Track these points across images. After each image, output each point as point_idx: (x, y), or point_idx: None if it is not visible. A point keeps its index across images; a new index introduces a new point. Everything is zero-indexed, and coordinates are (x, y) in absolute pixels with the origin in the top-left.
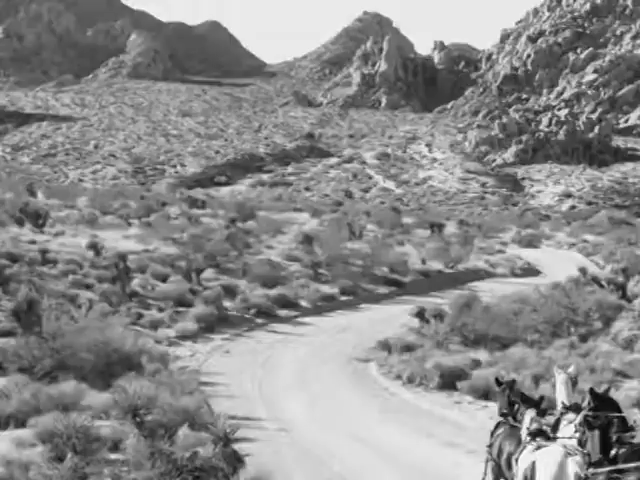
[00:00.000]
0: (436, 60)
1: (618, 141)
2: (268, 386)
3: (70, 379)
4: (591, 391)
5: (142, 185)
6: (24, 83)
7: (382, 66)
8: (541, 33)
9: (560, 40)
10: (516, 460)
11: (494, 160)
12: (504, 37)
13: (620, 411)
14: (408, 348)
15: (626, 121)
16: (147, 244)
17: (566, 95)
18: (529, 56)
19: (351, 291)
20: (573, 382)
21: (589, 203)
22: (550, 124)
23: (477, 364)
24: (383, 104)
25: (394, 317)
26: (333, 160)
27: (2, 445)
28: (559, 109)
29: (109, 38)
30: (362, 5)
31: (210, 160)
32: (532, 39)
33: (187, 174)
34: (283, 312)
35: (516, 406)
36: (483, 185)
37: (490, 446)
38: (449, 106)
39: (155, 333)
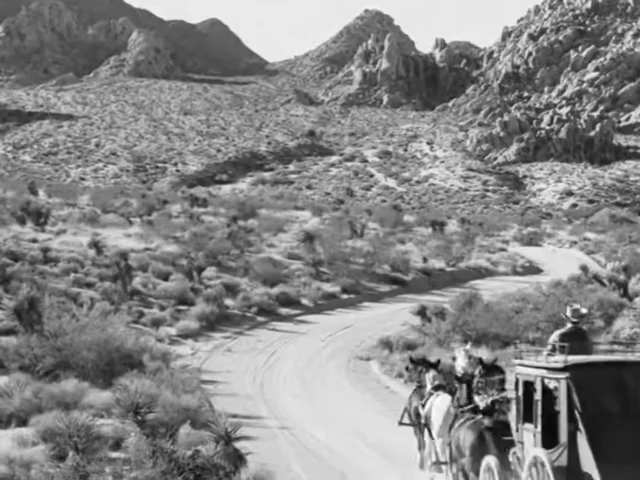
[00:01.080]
0: (437, 58)
1: (619, 139)
2: (269, 384)
3: (71, 378)
4: (480, 361)
5: (143, 183)
6: (25, 81)
7: (383, 64)
8: (542, 31)
9: (561, 38)
10: (422, 406)
11: (495, 158)
12: (505, 35)
13: (503, 373)
14: (409, 346)
15: (627, 119)
16: (148, 242)
17: (567, 93)
18: (530, 54)
19: (352, 289)
20: (468, 355)
21: (590, 201)
22: (551, 122)
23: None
24: (384, 102)
25: (395, 315)
26: (334, 158)
27: (4, 444)
28: (560, 107)
29: (110, 36)
30: (363, 3)
31: (211, 158)
32: (533, 37)
33: (188, 172)
34: (284, 310)
35: (422, 370)
36: (484, 183)
37: (409, 403)
38: (450, 104)
39: (156, 331)
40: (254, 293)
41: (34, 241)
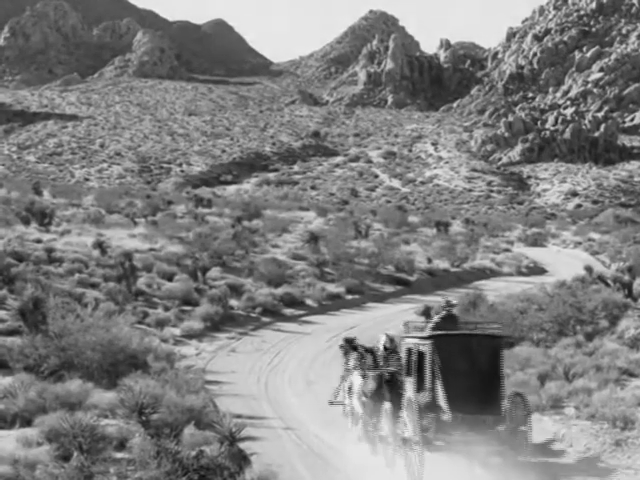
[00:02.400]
0: (442, 59)
1: (624, 140)
2: (274, 385)
3: (76, 378)
4: (387, 335)
5: (148, 184)
6: (30, 82)
7: (388, 65)
8: (547, 32)
9: (566, 39)
10: (345, 379)
11: (500, 159)
12: (510, 35)
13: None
14: None
15: (632, 120)
16: (153, 243)
17: (572, 94)
18: (535, 55)
19: (357, 290)
20: (391, 339)
21: (595, 202)
22: (556, 123)
23: None
24: (389, 103)
25: (400, 316)
26: (339, 159)
27: (8, 444)
28: (565, 108)
29: (115, 37)
30: (368, 4)
31: (216, 159)
32: (538, 37)
33: (193, 173)
34: (289, 311)
35: (348, 351)
36: (489, 184)
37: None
38: (455, 105)
39: (161, 332)
40: (258, 293)
41: (38, 241)
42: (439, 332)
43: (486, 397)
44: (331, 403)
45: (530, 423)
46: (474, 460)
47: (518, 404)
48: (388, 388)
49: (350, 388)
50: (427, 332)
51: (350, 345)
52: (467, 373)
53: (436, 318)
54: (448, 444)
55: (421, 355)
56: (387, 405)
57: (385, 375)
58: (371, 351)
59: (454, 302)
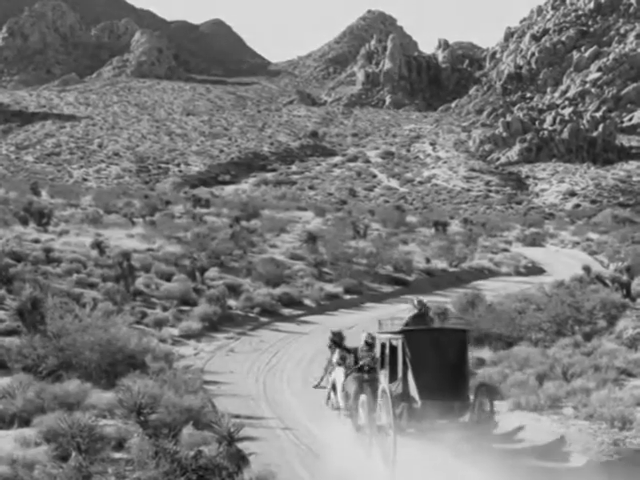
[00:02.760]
0: (440, 58)
1: (622, 139)
2: (272, 385)
3: (74, 378)
4: (369, 334)
5: (146, 184)
6: (28, 82)
7: (386, 65)
8: (545, 31)
9: (564, 38)
10: (329, 373)
11: (498, 159)
12: (508, 35)
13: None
14: None
15: (630, 119)
16: (151, 243)
17: (570, 93)
18: (533, 54)
19: (355, 290)
20: (372, 336)
21: (593, 201)
22: (554, 122)
23: (481, 363)
24: (387, 103)
25: (398, 316)
26: (337, 159)
27: (6, 444)
28: (563, 107)
29: (113, 37)
30: (366, 4)
31: (214, 159)
32: (536, 37)
33: (191, 173)
34: (287, 311)
35: (332, 347)
36: (487, 184)
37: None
38: (453, 105)
39: (159, 332)
40: (257, 293)
41: (37, 241)
42: (409, 328)
43: (453, 386)
44: (315, 387)
45: (494, 410)
46: (444, 445)
47: (484, 392)
48: (367, 383)
49: (334, 384)
50: (398, 328)
51: (336, 341)
52: (435, 364)
53: (408, 316)
54: (419, 431)
55: (393, 349)
56: (363, 397)
57: (364, 377)
58: (354, 351)
59: (424, 301)
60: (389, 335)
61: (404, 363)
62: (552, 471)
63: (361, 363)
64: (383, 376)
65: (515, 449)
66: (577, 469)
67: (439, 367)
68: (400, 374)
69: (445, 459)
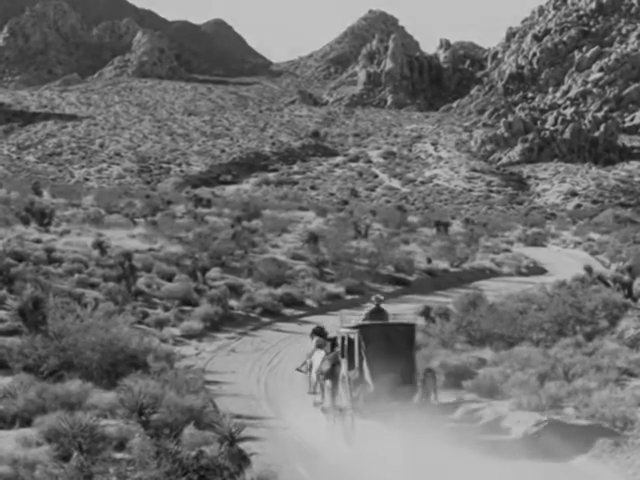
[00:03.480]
0: (442, 59)
1: (624, 139)
2: (274, 385)
3: (76, 378)
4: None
5: (147, 184)
6: (30, 82)
7: (388, 65)
8: (547, 31)
9: (566, 39)
10: (310, 357)
11: (500, 159)
12: (510, 35)
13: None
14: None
15: (632, 119)
16: (152, 243)
17: (572, 93)
18: (535, 54)
19: (357, 290)
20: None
21: (595, 202)
22: (556, 123)
23: (483, 363)
24: (389, 103)
25: (399, 316)
26: (339, 159)
27: (8, 444)
28: (565, 107)
29: (114, 37)
30: (368, 4)
31: (216, 159)
32: (538, 37)
33: (192, 173)
34: (288, 311)
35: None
36: (489, 184)
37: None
38: (455, 105)
39: (160, 332)
40: (258, 294)
41: (38, 241)
42: (363, 323)
43: (402, 373)
44: (297, 369)
45: (437, 392)
46: (395, 424)
47: (429, 378)
48: (338, 366)
49: (311, 365)
50: (355, 323)
51: (316, 331)
52: (386, 354)
53: (366, 311)
54: (373, 411)
55: (351, 341)
56: (328, 382)
57: (338, 358)
58: (332, 340)
59: (382, 298)
60: (348, 329)
61: (359, 353)
62: (488, 442)
63: (337, 349)
64: (344, 364)
65: (462, 426)
66: (514, 440)
67: (389, 356)
68: (357, 363)
69: (396, 434)
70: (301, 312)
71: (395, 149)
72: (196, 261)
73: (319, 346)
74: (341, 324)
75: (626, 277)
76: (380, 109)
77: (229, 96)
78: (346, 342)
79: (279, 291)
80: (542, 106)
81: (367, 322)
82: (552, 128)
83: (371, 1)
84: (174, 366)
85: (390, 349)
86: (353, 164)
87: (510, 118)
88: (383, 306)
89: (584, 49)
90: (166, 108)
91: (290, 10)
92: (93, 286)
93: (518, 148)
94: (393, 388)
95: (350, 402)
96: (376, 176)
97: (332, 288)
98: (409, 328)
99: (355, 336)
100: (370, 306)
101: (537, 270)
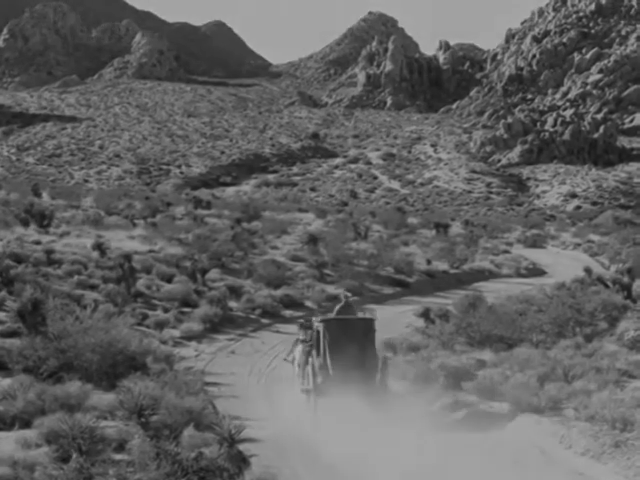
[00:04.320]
0: (441, 60)
1: (623, 141)
2: (273, 387)
3: (75, 379)
4: (306, 320)
5: (147, 185)
6: (29, 83)
7: (387, 66)
8: (546, 33)
9: (565, 40)
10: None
11: (499, 160)
12: (509, 37)
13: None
14: (413, 348)
15: (631, 121)
16: (152, 244)
17: (571, 95)
18: (534, 56)
19: (356, 291)
20: (308, 321)
21: (594, 203)
22: (555, 124)
23: (482, 364)
24: (388, 104)
25: (399, 317)
26: (338, 160)
27: (7, 445)
28: (564, 109)
29: (114, 38)
30: (367, 5)
31: (215, 160)
32: (537, 39)
33: (192, 174)
34: (288, 312)
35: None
36: (488, 185)
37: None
38: (454, 106)
39: (160, 333)
40: (258, 295)
41: (38, 243)
42: (327, 317)
43: (360, 361)
44: (284, 360)
45: (388, 377)
46: (354, 404)
47: (385, 364)
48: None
49: (294, 356)
50: (321, 317)
51: (303, 324)
52: (346, 344)
53: (337, 307)
54: (334, 393)
55: (318, 332)
56: (296, 369)
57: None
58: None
59: (349, 295)
60: (317, 322)
61: (323, 343)
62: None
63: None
64: (314, 352)
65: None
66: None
67: (347, 346)
68: (322, 351)
69: (353, 414)
70: (301, 313)
71: (395, 150)
72: (196, 262)
73: (302, 341)
74: (315, 317)
75: (626, 278)
76: (380, 110)
77: (229, 97)
78: (315, 333)
79: (279, 292)
80: (541, 108)
81: (330, 316)
82: (551, 130)
83: (371, 2)
84: (174, 368)
85: (348, 339)
86: (353, 166)
87: (509, 120)
88: (351, 302)
89: (584, 51)
90: (166, 109)
91: (290, 11)
92: (93, 287)
93: (517, 149)
94: (349, 373)
95: (313, 385)
96: (376, 177)
97: (332, 289)
98: (366, 322)
99: (321, 328)
100: (341, 302)
101: (537, 272)
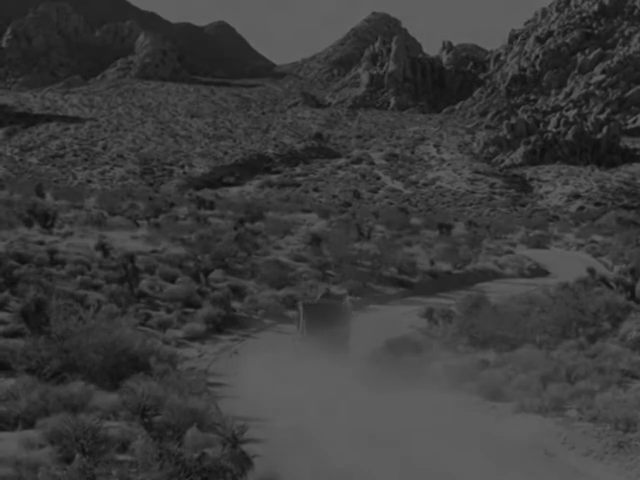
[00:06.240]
0: (444, 61)
1: (626, 142)
2: (276, 387)
3: (78, 380)
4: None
5: (150, 186)
6: (32, 84)
7: (390, 67)
8: (549, 34)
9: (568, 41)
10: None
11: (502, 161)
12: (512, 38)
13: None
14: (416, 349)
15: (634, 122)
16: (155, 245)
17: (574, 96)
18: (537, 57)
19: (359, 292)
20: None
21: (597, 204)
22: (558, 125)
23: (486, 365)
24: (391, 105)
25: (402, 318)
26: (341, 161)
27: (11, 446)
28: (567, 110)
29: (117, 39)
30: (370, 6)
31: (218, 161)
32: (540, 40)
33: (195, 175)
34: (291, 313)
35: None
36: (491, 186)
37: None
38: (457, 107)
39: (163, 334)
40: (261, 295)
41: (41, 243)
42: (306, 301)
43: (329, 332)
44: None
45: (350, 341)
46: (325, 361)
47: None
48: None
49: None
50: (302, 301)
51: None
52: (317, 321)
53: (319, 295)
54: (309, 353)
55: (299, 312)
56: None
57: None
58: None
59: (329, 287)
60: (300, 306)
61: (302, 320)
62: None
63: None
64: (299, 326)
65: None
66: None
67: (319, 323)
68: (302, 326)
69: (323, 370)
70: None
71: (398, 151)
72: (199, 263)
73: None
74: (302, 300)
75: (629, 279)
76: (383, 111)
77: (232, 98)
78: (298, 313)
79: (282, 293)
80: (545, 108)
81: (308, 300)
82: (555, 130)
83: (374, 3)
84: (177, 368)
85: (321, 319)
86: (356, 166)
87: (513, 120)
88: (331, 292)
89: (587, 51)
90: (169, 110)
91: (293, 12)
92: (96, 288)
93: (521, 150)
94: (322, 341)
95: (294, 351)
96: (379, 178)
97: (335, 290)
98: (334, 306)
99: (301, 308)
100: (322, 291)
101: (540, 272)
